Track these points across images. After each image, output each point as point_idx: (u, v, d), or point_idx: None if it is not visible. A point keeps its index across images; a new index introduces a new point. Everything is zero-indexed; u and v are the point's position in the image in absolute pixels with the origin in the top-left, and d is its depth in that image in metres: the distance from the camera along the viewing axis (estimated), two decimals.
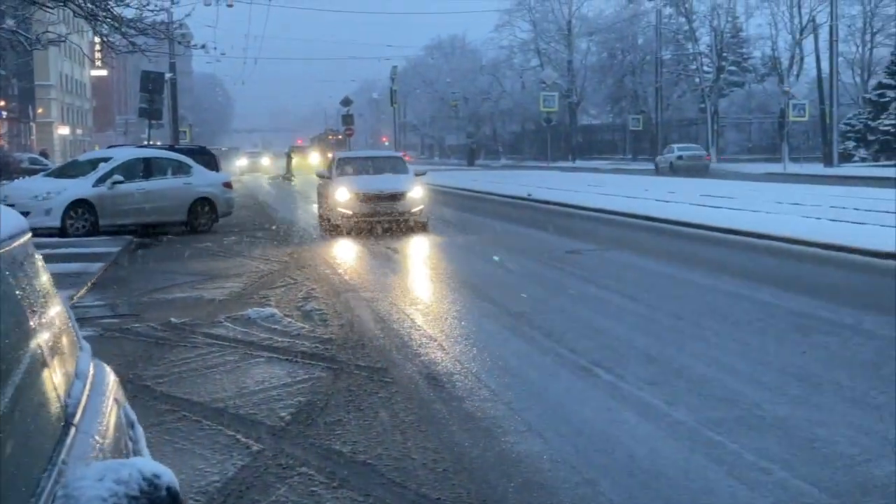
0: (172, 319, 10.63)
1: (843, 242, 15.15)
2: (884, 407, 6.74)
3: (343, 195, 20.41)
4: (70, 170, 22.31)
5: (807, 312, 10.36)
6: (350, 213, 20.21)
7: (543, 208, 27.62)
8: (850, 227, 17.23)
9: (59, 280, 13.37)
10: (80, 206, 20.35)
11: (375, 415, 6.90)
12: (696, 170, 52.68)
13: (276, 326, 10.19)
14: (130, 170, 21.43)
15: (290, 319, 10.57)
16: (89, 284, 13.48)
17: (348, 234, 19.95)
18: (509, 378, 7.90)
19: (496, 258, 15.77)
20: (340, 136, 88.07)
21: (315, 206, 25.31)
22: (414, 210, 20.56)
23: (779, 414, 6.66)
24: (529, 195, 30.82)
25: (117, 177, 20.85)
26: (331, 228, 20.92)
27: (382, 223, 20.31)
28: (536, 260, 15.65)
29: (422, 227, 20.57)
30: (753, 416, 6.62)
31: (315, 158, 68.55)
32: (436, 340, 9.33)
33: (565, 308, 11.07)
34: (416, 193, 20.85)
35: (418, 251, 17.84)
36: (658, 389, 7.34)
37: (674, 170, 54.38)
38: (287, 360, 8.67)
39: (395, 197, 20.51)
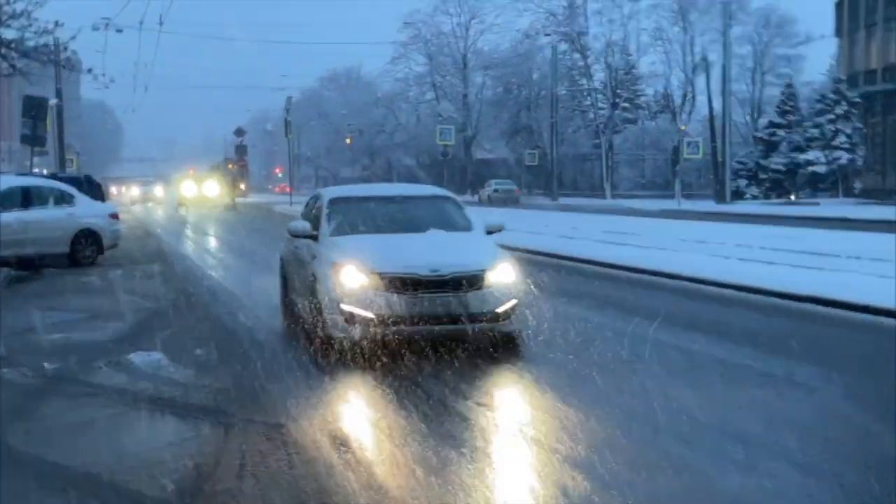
0: (46, 365, 9.65)
1: (758, 284, 14.73)
2: (843, 476, 6.15)
3: (352, 278, 10.23)
4: None
5: (735, 361, 9.82)
6: (372, 316, 9.99)
7: None
8: (760, 266, 16.83)
9: None
10: None
11: (273, 482, 6.07)
12: (510, 201, 65.01)
13: (162, 374, 9.30)
14: (8, 199, 20.14)
15: (177, 366, 9.66)
16: None
17: (354, 358, 9.75)
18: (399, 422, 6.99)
19: None
20: (243, 164, 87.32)
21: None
22: (499, 309, 10.36)
23: (729, 487, 6.01)
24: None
25: None
26: (315, 342, 10.42)
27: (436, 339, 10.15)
28: None
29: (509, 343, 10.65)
30: (700, 491, 5.95)
31: (212, 189, 65.37)
32: (337, 391, 8.52)
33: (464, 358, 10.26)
34: (503, 274, 10.59)
35: None
36: (582, 458, 6.49)
37: (491, 201, 65.20)
38: (173, 413, 7.79)
39: (464, 283, 10.24)
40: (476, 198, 71.19)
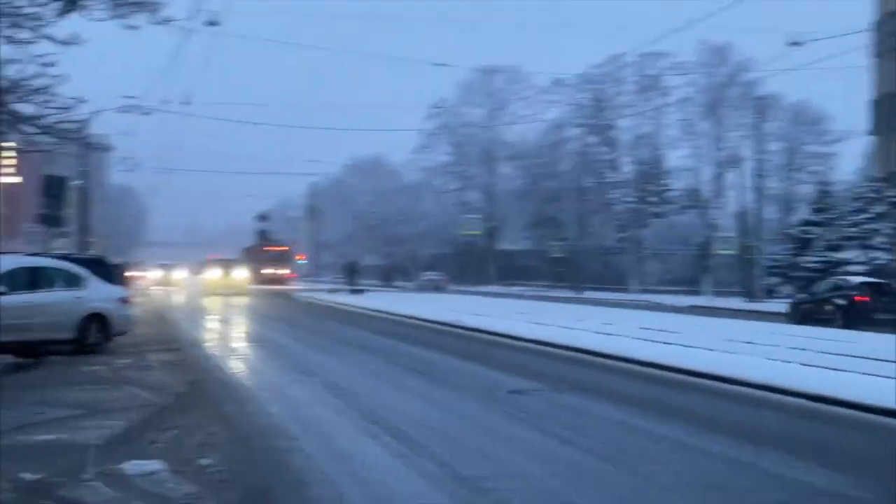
0: (26, 476, 8.22)
1: (833, 394, 13.16)
2: None
3: None
4: None
5: (842, 494, 8.28)
6: None
7: (474, 337, 25.50)
8: (828, 373, 15.17)
9: None
10: None
11: None
12: (439, 287, 74.02)
13: (158, 490, 7.87)
14: (15, 280, 18.88)
15: (178, 479, 8.24)
16: None
17: None
18: None
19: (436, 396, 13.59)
20: (284, 248, 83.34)
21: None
22: None
23: None
24: (458, 322, 28.77)
25: None
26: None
27: None
28: (474, 401, 13.48)
29: None
30: None
31: (242, 274, 60.25)
32: None
33: (526, 472, 8.84)
34: None
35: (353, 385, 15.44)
36: None
37: (420, 288, 73.20)
38: None
39: None
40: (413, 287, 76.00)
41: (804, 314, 33.30)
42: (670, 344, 20.59)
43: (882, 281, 35.27)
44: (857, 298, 31.45)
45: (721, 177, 72.07)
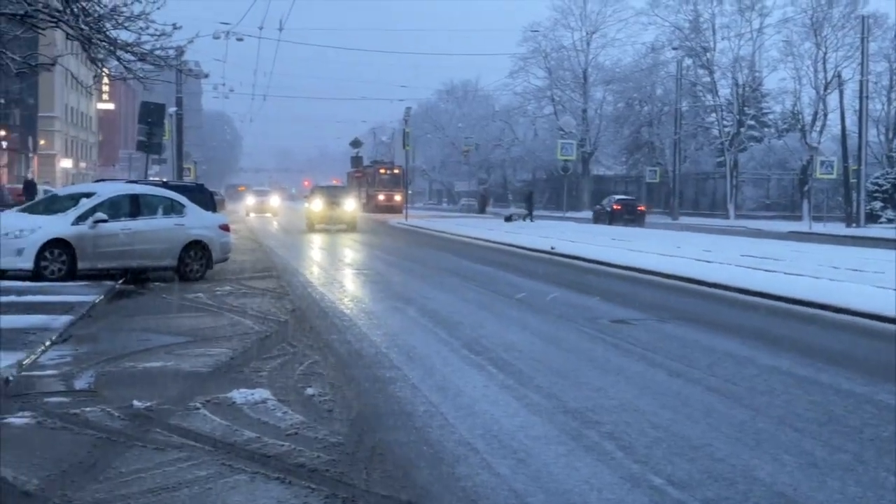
0: (135, 403, 8.27)
1: None
2: None
3: None
4: (48, 205, 19.92)
5: None
6: None
7: (571, 265, 25.28)
8: None
9: (14, 337, 11.05)
10: (56, 246, 17.96)
11: None
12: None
13: (266, 419, 7.85)
14: (116, 207, 19.10)
15: (285, 409, 8.22)
16: (47, 344, 11.12)
17: None
18: None
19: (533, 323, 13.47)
20: (397, 171, 74.73)
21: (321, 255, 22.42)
22: None
23: None
24: (553, 248, 28.53)
25: (100, 215, 18.51)
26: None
27: None
28: (577, 331, 13.31)
29: None
30: None
31: (350, 205, 46.01)
32: (478, 453, 6.97)
33: (634, 405, 8.66)
34: None
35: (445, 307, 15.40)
36: None
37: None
38: (278, 479, 6.31)
39: None
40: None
41: None
42: (773, 272, 20.17)
43: None
44: None
45: (822, 99, 70.09)
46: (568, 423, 7.87)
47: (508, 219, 56.96)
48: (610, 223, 55.72)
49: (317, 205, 44.55)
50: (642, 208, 62.64)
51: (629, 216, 58.33)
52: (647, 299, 17.30)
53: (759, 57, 75.70)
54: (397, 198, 72.44)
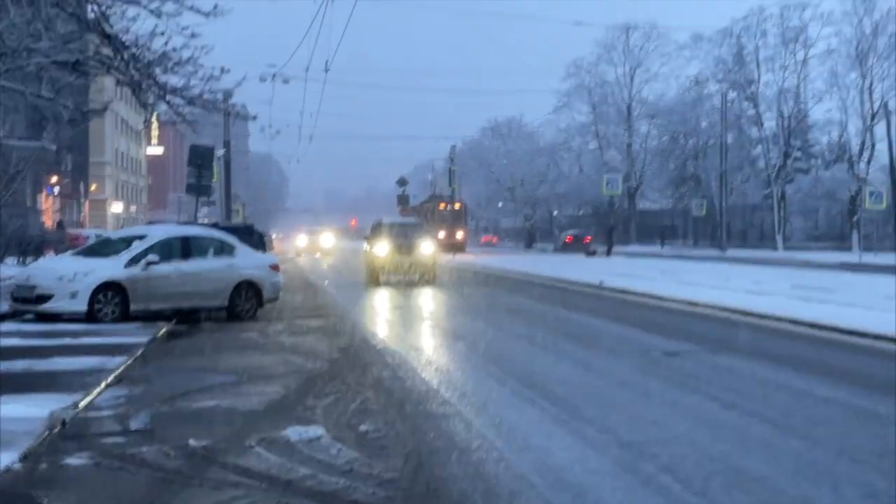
0: (191, 442, 8.34)
1: None
2: None
3: None
4: (101, 248, 20.20)
5: None
6: None
7: (620, 298, 25.19)
8: None
9: (71, 379, 11.23)
10: (109, 288, 18.20)
11: None
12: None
13: (321, 456, 7.88)
14: (167, 249, 19.34)
15: (339, 445, 8.25)
16: (102, 385, 11.24)
17: None
18: None
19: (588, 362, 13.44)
20: (458, 206, 70.88)
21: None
22: None
23: None
24: (602, 283, 28.47)
25: (152, 257, 18.75)
26: None
27: None
28: (629, 363, 13.26)
29: None
30: None
31: (427, 247, 32.59)
32: (534, 488, 6.96)
33: (690, 437, 8.62)
34: None
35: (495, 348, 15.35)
36: None
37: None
38: None
39: None
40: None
41: None
42: (826, 303, 19.99)
43: None
44: None
45: (870, 129, 69.47)
46: (623, 457, 7.85)
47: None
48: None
49: (382, 248, 32.05)
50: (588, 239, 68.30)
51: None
52: (698, 331, 17.23)
53: (804, 88, 75.36)
54: (459, 235, 67.64)
